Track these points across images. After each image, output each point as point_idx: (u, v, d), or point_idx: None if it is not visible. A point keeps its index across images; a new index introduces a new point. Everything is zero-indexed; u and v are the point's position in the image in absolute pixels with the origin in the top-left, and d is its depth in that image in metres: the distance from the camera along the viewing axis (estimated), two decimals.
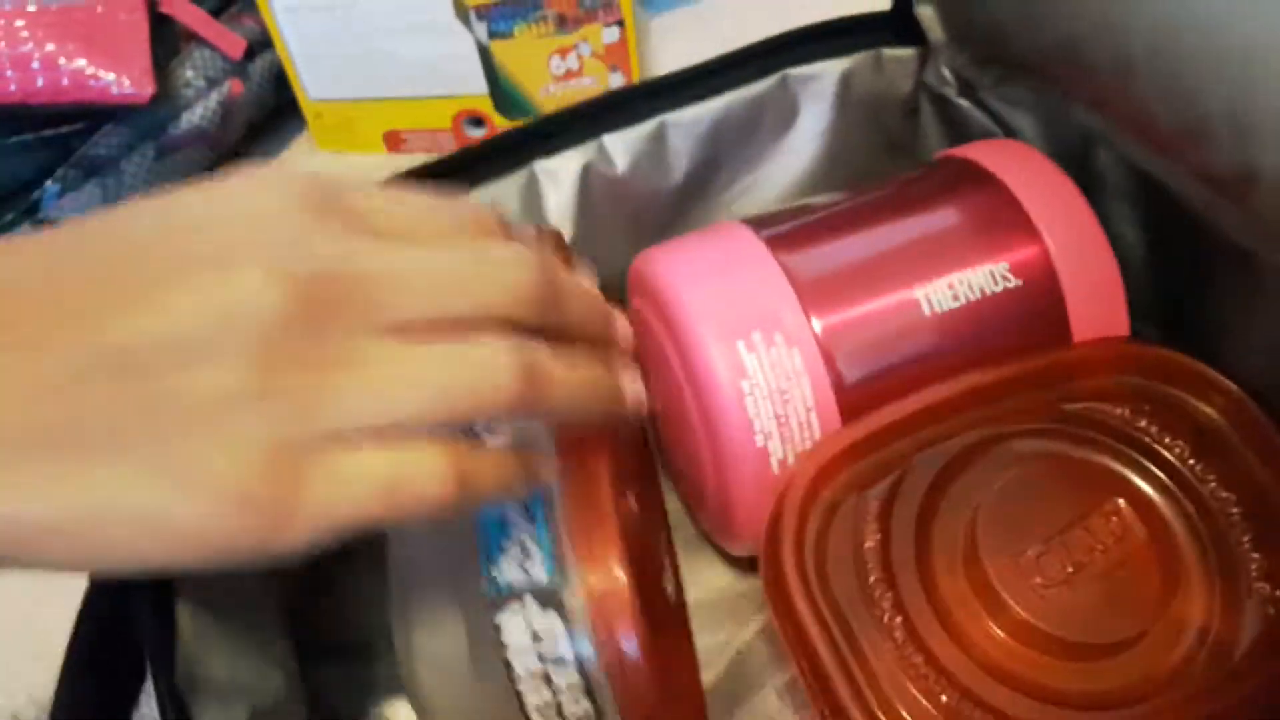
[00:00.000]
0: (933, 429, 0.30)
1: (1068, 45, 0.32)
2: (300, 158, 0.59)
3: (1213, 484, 0.29)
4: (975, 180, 0.35)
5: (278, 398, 0.21)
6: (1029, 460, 0.29)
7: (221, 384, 0.20)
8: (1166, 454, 0.30)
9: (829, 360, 0.31)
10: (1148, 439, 0.30)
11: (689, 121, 0.39)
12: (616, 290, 0.39)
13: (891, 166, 0.43)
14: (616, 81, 0.54)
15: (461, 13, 0.52)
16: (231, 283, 0.21)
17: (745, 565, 0.37)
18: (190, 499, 0.20)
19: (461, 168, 0.37)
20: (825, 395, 0.31)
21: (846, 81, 0.41)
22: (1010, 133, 0.40)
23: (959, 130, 0.41)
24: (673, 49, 0.60)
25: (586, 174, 0.39)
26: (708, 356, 0.31)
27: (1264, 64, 0.26)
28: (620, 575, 0.26)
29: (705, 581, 0.36)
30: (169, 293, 0.20)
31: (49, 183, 0.50)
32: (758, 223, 0.35)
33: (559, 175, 0.38)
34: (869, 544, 0.28)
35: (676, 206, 0.41)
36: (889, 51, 0.41)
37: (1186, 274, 0.35)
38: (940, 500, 0.28)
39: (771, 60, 0.40)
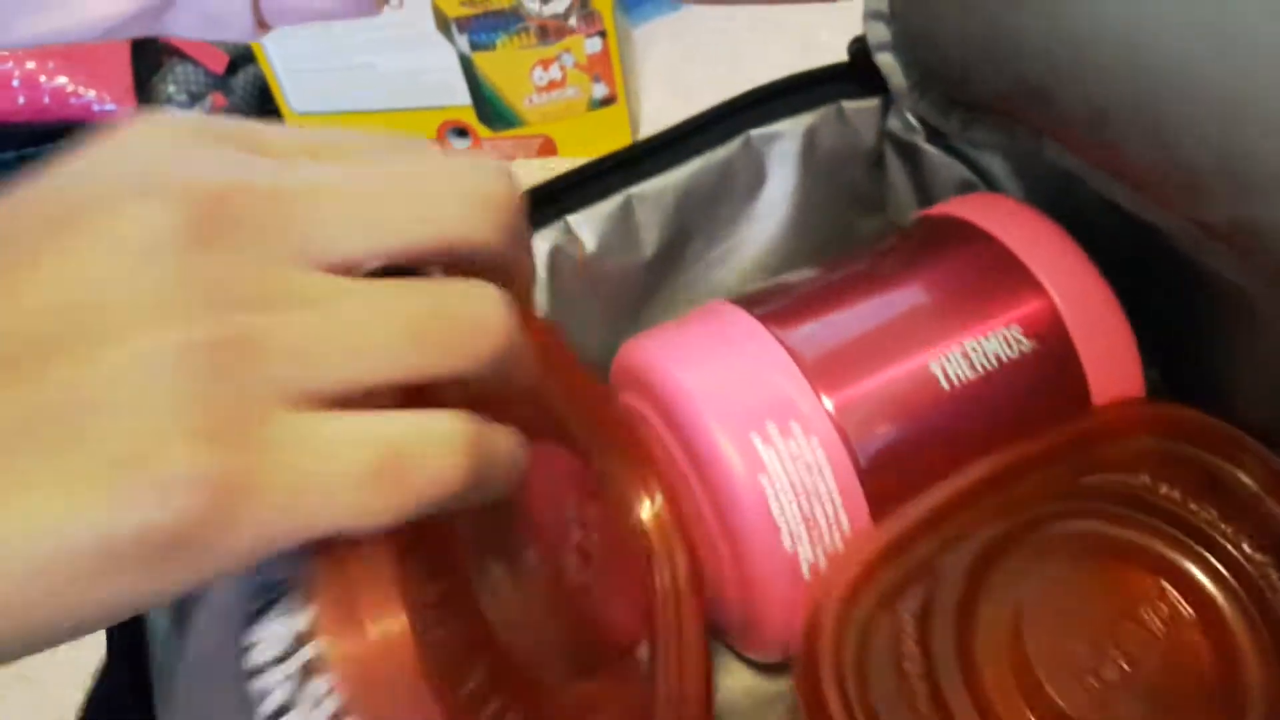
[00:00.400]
0: (954, 523, 0.28)
1: (1038, 92, 0.31)
2: None
3: (1246, 547, 0.28)
4: (967, 238, 0.34)
5: (205, 345, 0.15)
6: (1058, 548, 0.28)
7: (126, 344, 0.15)
8: (1195, 521, 0.29)
9: (849, 447, 0.29)
10: (1173, 506, 0.29)
11: (655, 193, 0.38)
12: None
13: (859, 220, 0.42)
14: (600, 92, 0.54)
15: (443, 25, 0.51)
16: (99, 224, 0.16)
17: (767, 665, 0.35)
18: (112, 496, 0.15)
19: None
20: (851, 486, 0.29)
21: (810, 137, 0.39)
22: (982, 175, 0.39)
23: (926, 179, 0.40)
24: (655, 58, 0.59)
25: (555, 256, 0.37)
26: (722, 452, 0.29)
27: (1256, 113, 0.25)
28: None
29: (726, 685, 0.34)
30: (19, 268, 0.16)
31: None
32: (748, 301, 0.33)
33: None
34: (911, 667, 0.26)
35: (650, 281, 0.39)
36: (850, 104, 0.40)
37: (1182, 314, 0.34)
38: (976, 607, 0.27)
39: (733, 122, 0.38)
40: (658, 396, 0.31)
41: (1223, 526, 0.29)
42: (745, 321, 0.32)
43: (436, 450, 0.17)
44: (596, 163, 0.37)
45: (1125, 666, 0.26)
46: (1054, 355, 0.32)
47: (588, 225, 0.37)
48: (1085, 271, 0.33)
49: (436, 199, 0.18)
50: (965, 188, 0.39)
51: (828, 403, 0.30)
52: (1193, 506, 0.29)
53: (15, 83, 0.47)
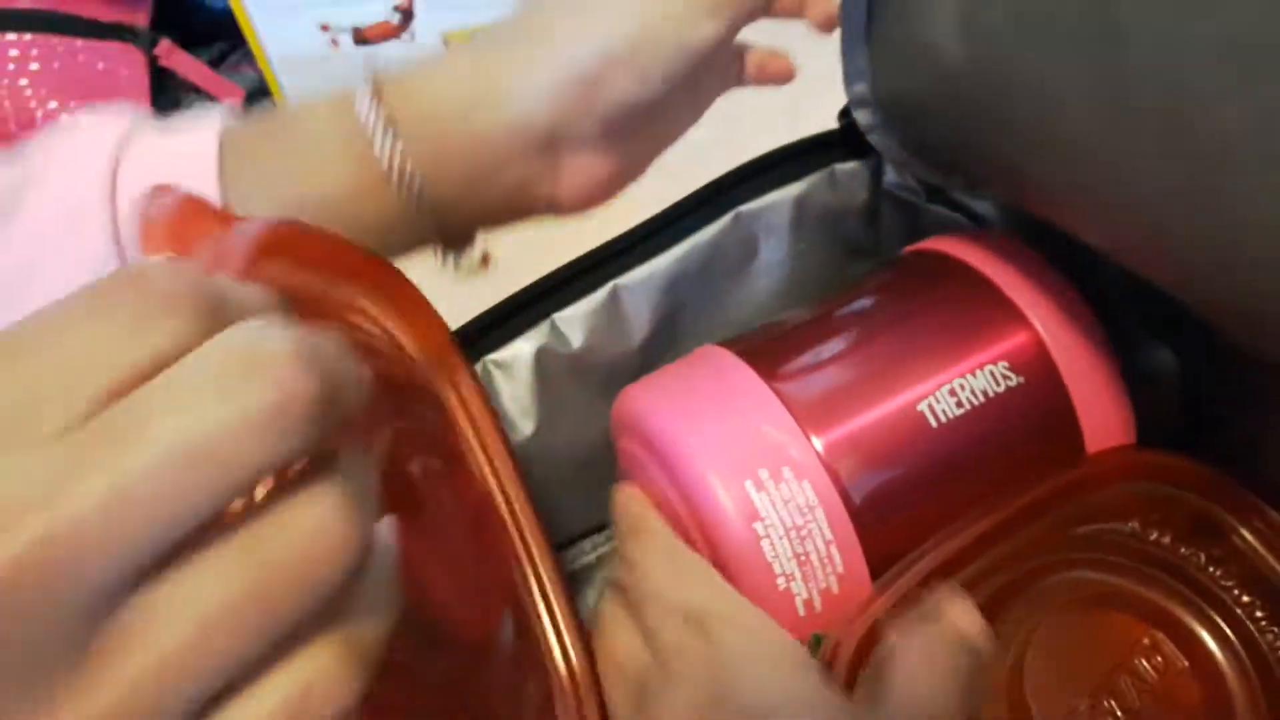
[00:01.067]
0: (954, 579, 0.28)
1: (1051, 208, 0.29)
2: None
3: (1235, 590, 0.27)
4: (953, 274, 0.33)
5: None
6: (1054, 601, 0.28)
7: None
8: (1186, 566, 0.28)
9: (840, 488, 0.29)
10: (1163, 552, 0.28)
11: (642, 281, 0.36)
12: (596, 466, 0.34)
13: (851, 265, 0.41)
14: None
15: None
16: None
17: None
18: None
19: None
20: (843, 526, 0.29)
21: (801, 204, 0.38)
22: (978, 220, 0.36)
23: (921, 227, 0.39)
24: None
25: (541, 357, 0.35)
26: (716, 501, 0.29)
27: None
28: None
29: None
30: None
31: None
32: (739, 346, 0.33)
33: (513, 365, 0.35)
34: None
35: (643, 362, 0.38)
36: (842, 166, 0.38)
37: (1206, 371, 0.32)
38: None
39: (721, 201, 0.37)
40: (655, 446, 0.31)
41: (1211, 570, 0.28)
42: (738, 368, 0.31)
43: (328, 684, 0.15)
44: (582, 259, 0.36)
45: (1122, 716, 0.26)
46: (1042, 388, 0.31)
47: (576, 321, 0.36)
48: (1071, 304, 0.32)
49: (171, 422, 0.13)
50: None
51: (818, 445, 0.29)
52: (1183, 551, 0.29)
53: (39, 121, 0.49)
